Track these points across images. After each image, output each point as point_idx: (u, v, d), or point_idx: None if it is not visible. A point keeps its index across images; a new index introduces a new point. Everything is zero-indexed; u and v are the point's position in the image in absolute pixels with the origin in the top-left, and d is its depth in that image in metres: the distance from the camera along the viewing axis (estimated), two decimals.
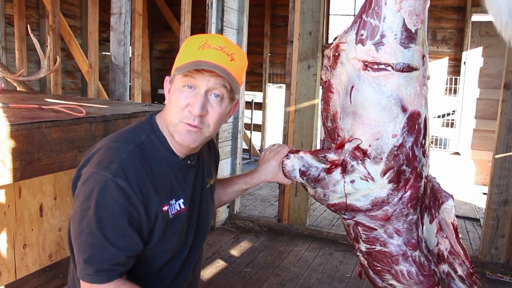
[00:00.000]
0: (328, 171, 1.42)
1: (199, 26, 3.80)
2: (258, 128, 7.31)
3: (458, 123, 6.10)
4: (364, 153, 1.37)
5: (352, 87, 1.35)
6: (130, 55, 3.63)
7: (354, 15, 6.98)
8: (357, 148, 1.37)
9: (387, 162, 1.35)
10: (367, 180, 1.39)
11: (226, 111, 1.14)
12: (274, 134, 7.74)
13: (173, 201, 1.14)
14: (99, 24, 4.15)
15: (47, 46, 2.45)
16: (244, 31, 3.83)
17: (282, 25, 6.98)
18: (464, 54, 5.87)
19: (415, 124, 1.35)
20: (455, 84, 5.99)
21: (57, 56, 2.65)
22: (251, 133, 7.13)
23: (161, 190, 1.09)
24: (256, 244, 3.59)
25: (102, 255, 1.01)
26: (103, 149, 1.08)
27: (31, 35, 2.49)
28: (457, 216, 1.42)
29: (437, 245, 1.49)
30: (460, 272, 1.45)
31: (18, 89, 3.09)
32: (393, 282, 1.52)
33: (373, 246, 1.52)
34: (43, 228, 2.06)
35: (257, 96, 7.06)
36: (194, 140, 1.09)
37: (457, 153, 5.95)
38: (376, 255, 1.52)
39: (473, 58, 5.90)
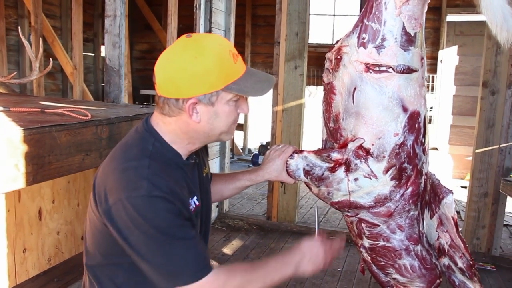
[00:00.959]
0: (332, 170, 1.46)
1: (180, 26, 3.81)
2: (240, 127, 7.34)
3: (436, 119, 6.25)
4: (367, 152, 1.42)
5: (355, 88, 1.40)
6: None
7: (334, 15, 7.08)
8: (360, 147, 1.42)
9: (389, 160, 1.40)
10: (370, 178, 1.44)
11: None
12: (256, 134, 7.79)
13: (191, 200, 1.18)
14: None
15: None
16: (231, 32, 3.87)
17: (263, 25, 7.04)
18: (440, 52, 6.04)
19: (415, 123, 1.40)
20: (432, 81, 6.15)
21: (50, 59, 2.63)
22: None
23: (183, 190, 1.13)
24: (247, 242, 3.63)
25: (190, 254, 1.06)
26: (117, 172, 1.08)
27: (22, 38, 2.45)
28: None
29: (437, 239, 1.55)
30: (460, 264, 1.51)
31: None
32: (397, 276, 1.58)
33: (377, 242, 1.56)
34: (42, 232, 2.05)
35: None
36: None
37: (435, 149, 6.09)
38: (379, 251, 1.57)
39: (449, 57, 6.07)
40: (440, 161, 5.73)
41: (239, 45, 6.81)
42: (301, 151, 1.52)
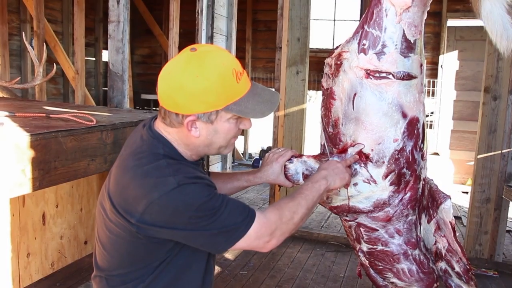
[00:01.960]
0: None
1: (180, 31, 3.83)
2: (241, 132, 7.32)
3: (437, 124, 6.25)
4: (367, 157, 1.44)
5: (355, 94, 1.41)
6: None
7: (334, 20, 7.11)
8: (360, 152, 1.44)
9: (388, 165, 1.42)
10: (370, 183, 1.45)
11: None
12: (257, 138, 7.80)
13: None
14: None
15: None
16: (233, 37, 3.90)
17: (263, 30, 7.07)
18: (441, 57, 6.04)
19: (414, 129, 1.42)
20: (433, 86, 6.15)
21: (54, 64, 2.65)
22: None
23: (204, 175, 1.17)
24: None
25: (233, 211, 1.10)
26: (137, 179, 1.08)
27: (26, 43, 2.48)
28: None
29: (435, 243, 1.56)
30: (457, 268, 1.52)
31: (0, 95, 3.05)
32: (395, 280, 1.59)
33: (375, 246, 1.58)
34: (45, 237, 2.06)
35: None
36: None
37: (436, 154, 6.09)
38: (377, 255, 1.59)
39: (450, 62, 6.07)
40: (441, 166, 5.73)
41: (240, 50, 6.84)
42: (300, 155, 1.54)
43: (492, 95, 3.27)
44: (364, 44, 1.39)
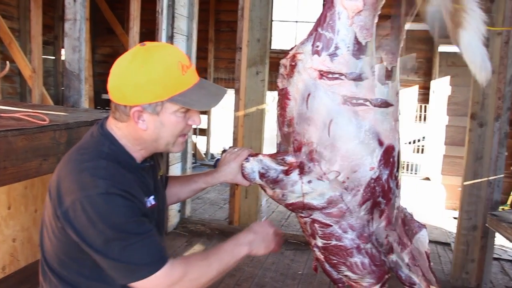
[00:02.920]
0: (287, 172, 1.51)
1: (143, 30, 3.81)
2: (203, 132, 7.33)
3: (428, 149, 6.22)
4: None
5: (309, 94, 1.44)
6: None
7: (296, 21, 7.20)
8: (313, 151, 1.47)
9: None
10: (323, 180, 1.48)
11: None
12: (219, 139, 7.79)
13: (147, 199, 1.21)
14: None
15: None
16: (193, 37, 3.89)
17: (226, 30, 7.08)
18: (432, 82, 6.08)
19: (390, 157, 1.44)
20: (425, 111, 6.22)
21: (7, 62, 2.57)
22: (196, 137, 7.13)
23: (139, 191, 1.15)
24: (209, 247, 3.62)
25: (146, 248, 1.07)
26: (73, 174, 1.09)
27: None
28: (428, 241, 1.54)
29: (386, 237, 1.61)
30: (406, 260, 1.58)
31: None
32: (348, 273, 1.63)
33: (329, 241, 1.60)
34: None
35: None
36: None
37: (428, 179, 6.04)
38: (332, 249, 1.61)
39: (441, 87, 6.03)
40: (433, 192, 5.58)
41: (202, 50, 6.81)
42: (256, 154, 1.56)
43: (478, 121, 3.20)
44: (317, 46, 1.42)
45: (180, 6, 3.68)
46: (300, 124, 1.49)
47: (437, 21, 1.39)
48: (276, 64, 1.66)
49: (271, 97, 5.35)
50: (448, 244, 4.36)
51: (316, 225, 1.60)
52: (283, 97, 1.56)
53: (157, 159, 1.36)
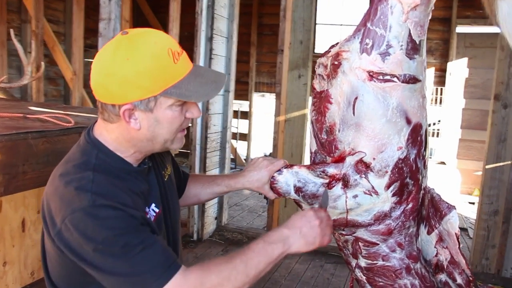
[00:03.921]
0: (328, 186, 1.37)
1: (185, 33, 3.74)
2: (244, 137, 7.27)
3: (444, 132, 6.14)
4: (367, 166, 1.33)
5: (356, 98, 1.30)
6: None
7: (340, 25, 7.01)
8: (360, 161, 1.32)
9: (391, 175, 1.31)
10: (371, 194, 1.34)
11: None
12: (259, 144, 7.71)
13: (148, 209, 1.09)
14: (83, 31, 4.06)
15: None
16: (233, 39, 3.79)
17: (269, 34, 6.99)
18: (449, 64, 5.93)
19: (418, 136, 1.33)
20: (441, 94, 6.04)
21: (42, 63, 2.55)
22: (236, 142, 7.07)
23: (136, 199, 1.03)
24: None
25: (150, 259, 0.94)
26: (59, 190, 0.98)
27: (14, 41, 2.38)
28: None
29: (436, 255, 1.46)
30: (459, 280, 1.42)
31: None
32: None
33: (375, 262, 1.47)
34: (25, 244, 1.94)
35: (242, 105, 7.03)
36: None
37: (443, 163, 5.97)
38: (378, 270, 1.48)
39: (458, 69, 5.96)
40: (448, 176, 5.60)
41: (244, 54, 6.76)
42: (291, 166, 1.41)
43: (503, 103, 3.13)
44: (367, 44, 1.28)
45: (220, 7, 3.59)
46: (344, 131, 1.35)
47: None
48: None
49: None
50: (465, 230, 4.33)
51: (360, 243, 1.47)
52: (323, 100, 1.42)
53: (160, 158, 1.24)
